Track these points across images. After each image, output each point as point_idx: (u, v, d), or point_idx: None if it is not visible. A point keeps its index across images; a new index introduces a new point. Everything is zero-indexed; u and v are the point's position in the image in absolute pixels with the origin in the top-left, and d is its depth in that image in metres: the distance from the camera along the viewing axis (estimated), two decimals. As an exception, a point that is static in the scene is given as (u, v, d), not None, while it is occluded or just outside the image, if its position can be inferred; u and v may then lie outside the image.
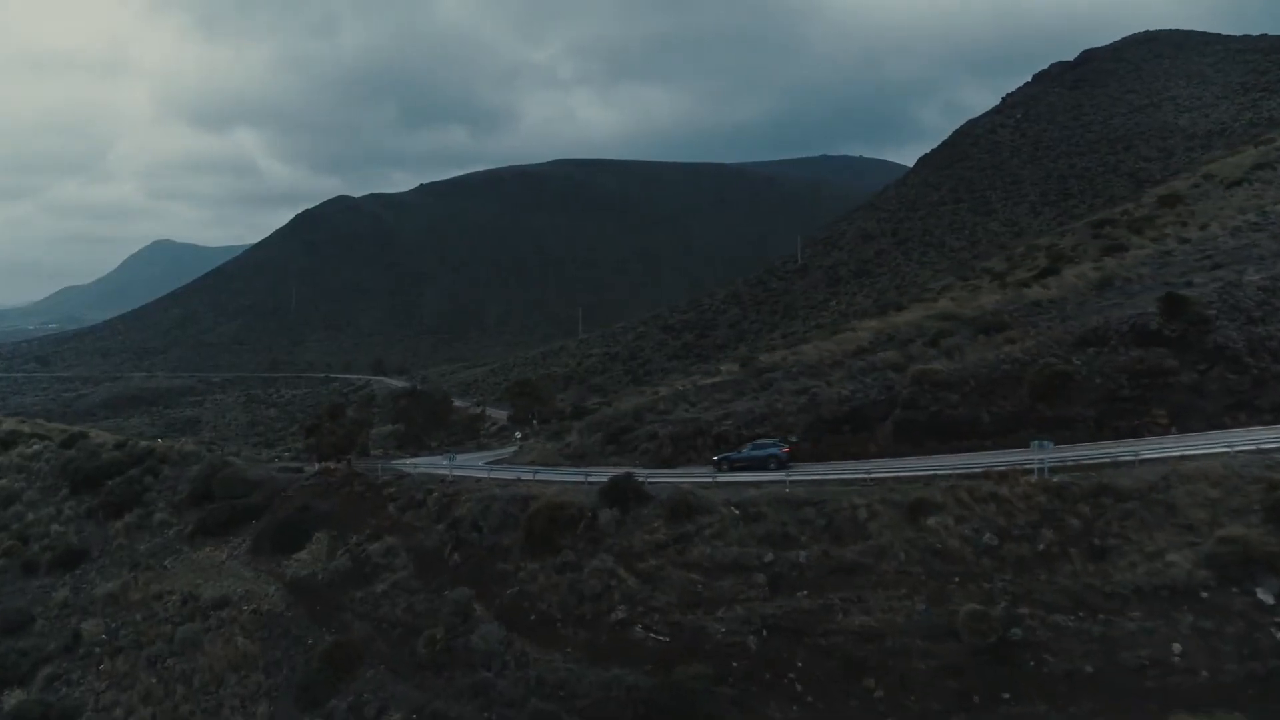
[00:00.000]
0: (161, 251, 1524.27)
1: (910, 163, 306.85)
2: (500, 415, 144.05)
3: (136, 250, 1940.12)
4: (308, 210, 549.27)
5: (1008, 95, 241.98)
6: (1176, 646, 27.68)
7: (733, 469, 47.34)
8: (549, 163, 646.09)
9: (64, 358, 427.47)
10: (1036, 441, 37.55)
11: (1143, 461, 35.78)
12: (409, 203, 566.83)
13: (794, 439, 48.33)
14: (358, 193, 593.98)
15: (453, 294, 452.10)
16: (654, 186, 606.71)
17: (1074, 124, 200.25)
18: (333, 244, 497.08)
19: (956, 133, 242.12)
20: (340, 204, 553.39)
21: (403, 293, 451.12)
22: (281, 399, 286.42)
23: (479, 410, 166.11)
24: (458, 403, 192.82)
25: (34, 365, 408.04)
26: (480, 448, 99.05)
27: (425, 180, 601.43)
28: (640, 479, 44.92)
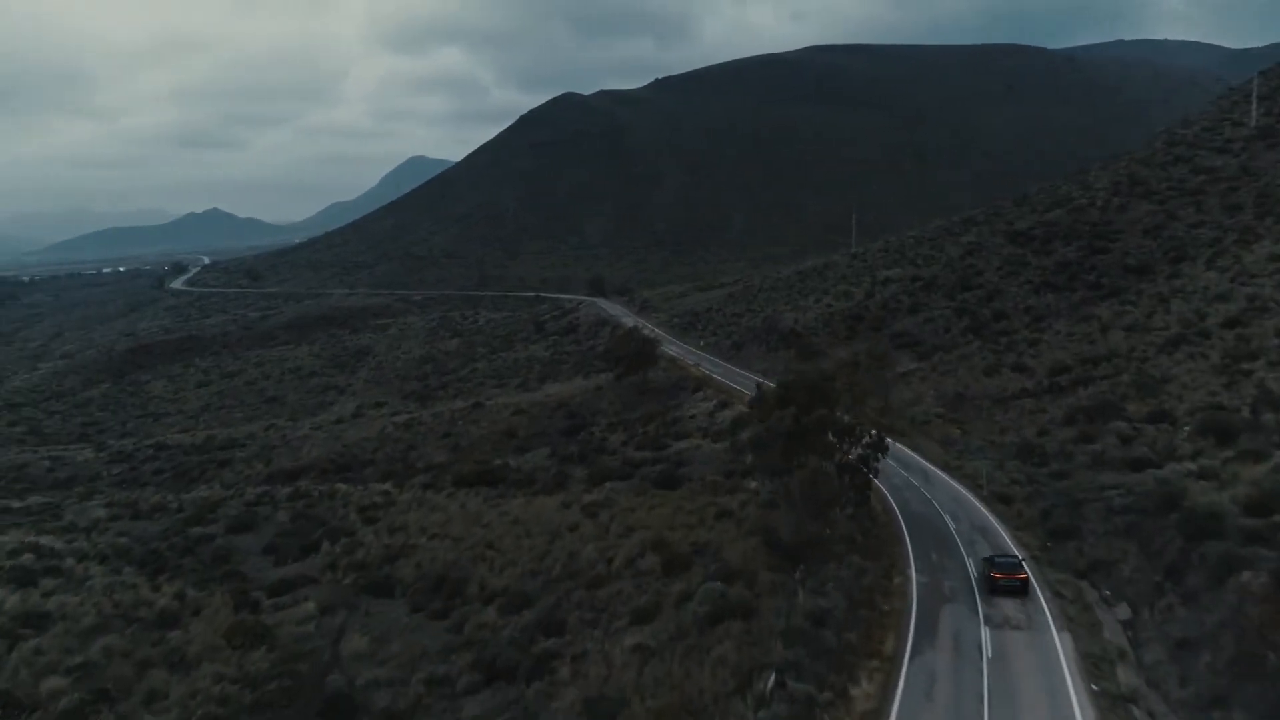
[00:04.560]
0: (416, 167, 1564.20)
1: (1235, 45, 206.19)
2: (730, 391, 77.48)
3: (394, 167, 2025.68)
4: (533, 110, 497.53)
5: None
6: None
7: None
8: (800, 49, 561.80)
9: (278, 271, 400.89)
10: None
11: None
12: (642, 98, 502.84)
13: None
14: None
15: (688, 199, 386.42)
16: (922, 73, 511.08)
17: None
18: (557, 146, 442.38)
19: None
20: (567, 102, 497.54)
21: (631, 199, 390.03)
22: (474, 324, 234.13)
23: (696, 372, 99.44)
24: (673, 351, 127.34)
25: (245, 280, 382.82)
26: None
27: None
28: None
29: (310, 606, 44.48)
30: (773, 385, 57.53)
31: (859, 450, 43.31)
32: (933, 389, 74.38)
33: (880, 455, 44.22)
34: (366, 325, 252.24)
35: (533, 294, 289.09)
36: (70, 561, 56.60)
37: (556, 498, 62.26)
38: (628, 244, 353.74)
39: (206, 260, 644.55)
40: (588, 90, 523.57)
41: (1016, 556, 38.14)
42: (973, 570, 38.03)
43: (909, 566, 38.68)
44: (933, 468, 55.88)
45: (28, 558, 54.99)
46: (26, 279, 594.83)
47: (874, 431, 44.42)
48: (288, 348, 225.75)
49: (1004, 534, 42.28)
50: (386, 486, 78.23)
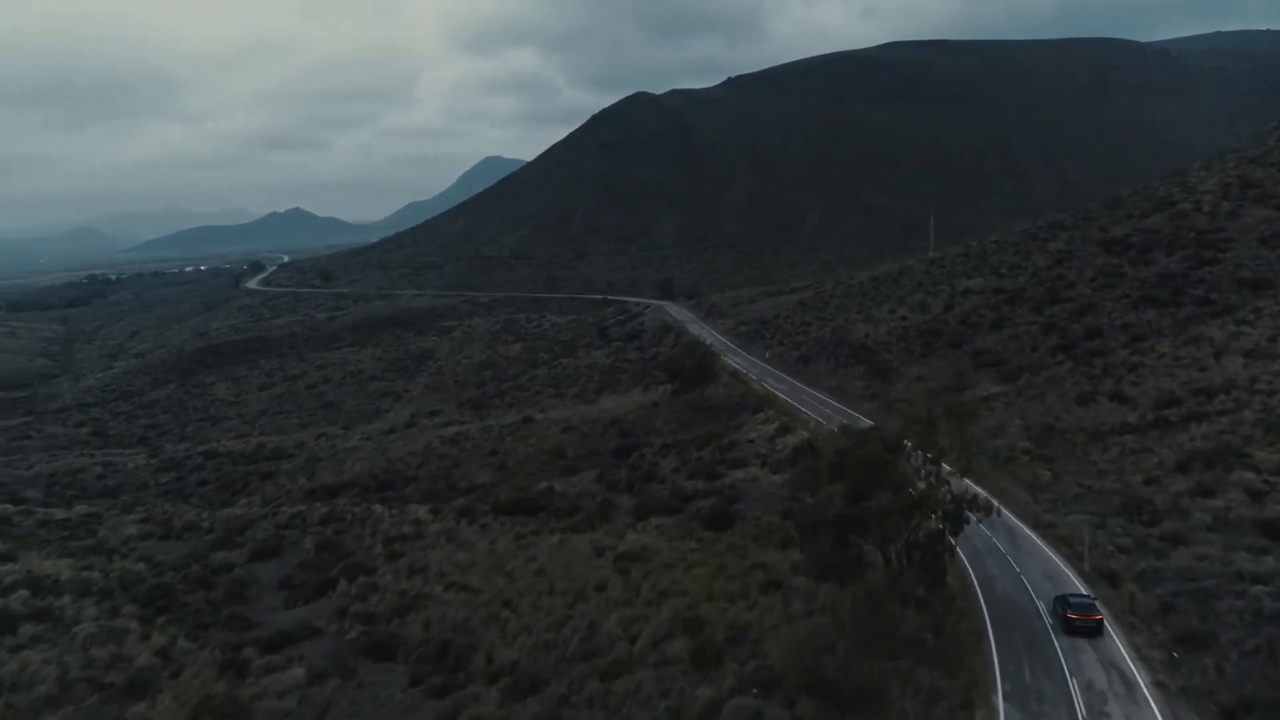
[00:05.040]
0: (491, 166, 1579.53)
1: None
2: (794, 412, 71.28)
3: (469, 167, 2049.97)
4: (604, 110, 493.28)
5: None
6: None
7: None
8: (879, 46, 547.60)
9: (349, 271, 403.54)
10: None
11: None
12: (714, 97, 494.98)
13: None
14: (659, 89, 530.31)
15: (760, 199, 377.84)
16: (1004, 69, 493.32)
17: None
18: (628, 145, 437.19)
19: None
20: (638, 101, 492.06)
21: (702, 199, 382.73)
22: (539, 328, 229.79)
23: (759, 388, 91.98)
24: (736, 363, 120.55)
25: (318, 280, 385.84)
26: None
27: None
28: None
29: (299, 674, 39.27)
30: (827, 436, 50.47)
31: (932, 524, 36.18)
32: (1018, 418, 66.47)
33: (960, 529, 37.00)
34: (432, 327, 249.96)
35: (600, 297, 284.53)
36: (67, 600, 52.65)
37: (593, 537, 56.46)
38: (698, 245, 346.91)
39: (285, 259, 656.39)
40: (659, 90, 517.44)
41: (1090, 596, 36.96)
42: (1080, 704, 29.97)
43: (994, 691, 30.56)
44: (1020, 525, 47.53)
45: (20, 595, 51.02)
46: (114, 277, 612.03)
47: (952, 498, 36.94)
48: (352, 350, 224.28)
49: (1118, 639, 34.09)
50: (420, 513, 73.32)
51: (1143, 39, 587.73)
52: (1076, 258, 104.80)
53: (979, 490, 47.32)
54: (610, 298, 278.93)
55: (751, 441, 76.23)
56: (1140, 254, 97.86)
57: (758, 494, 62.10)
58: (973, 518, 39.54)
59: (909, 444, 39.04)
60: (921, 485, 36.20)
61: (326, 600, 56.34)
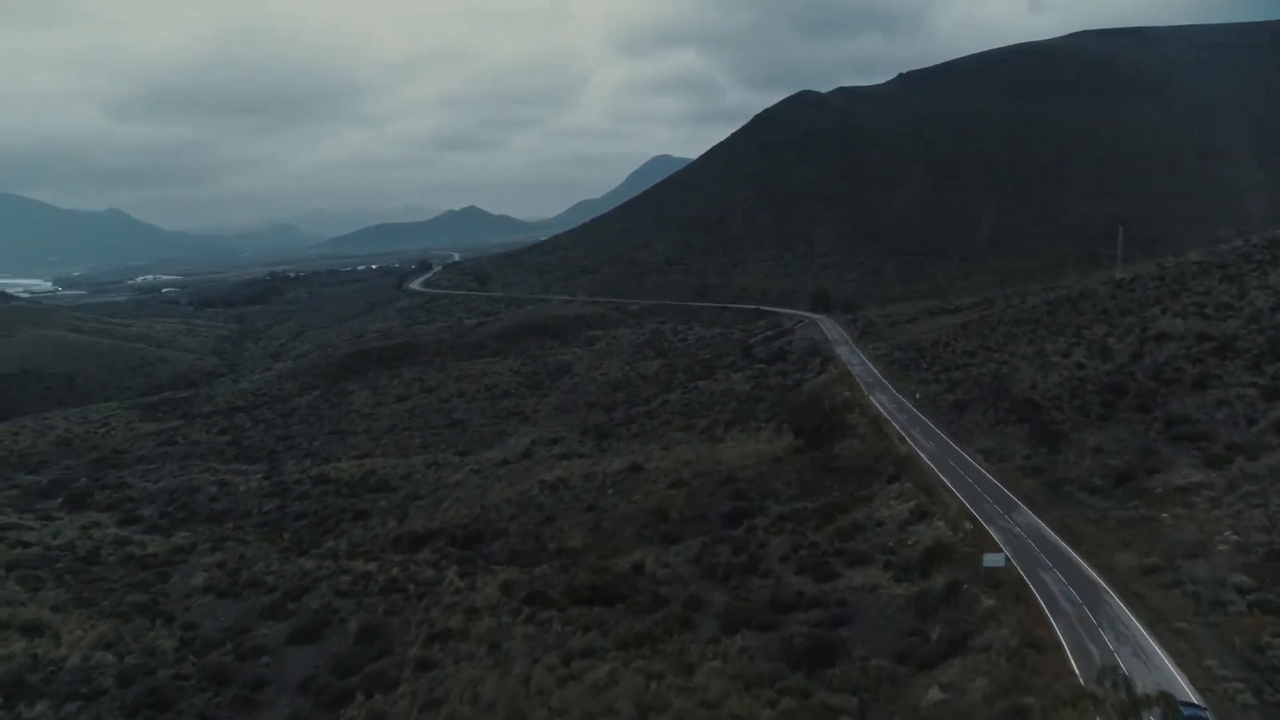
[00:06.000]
0: (660, 165, 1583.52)
1: None
2: (936, 488, 58.99)
3: (638, 166, 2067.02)
4: (767, 109, 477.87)
5: None
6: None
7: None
8: (1064, 36, 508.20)
9: (506, 275, 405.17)
10: None
11: None
12: (883, 95, 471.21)
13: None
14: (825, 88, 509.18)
15: (929, 203, 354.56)
16: (1205, 58, 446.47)
17: None
18: (790, 146, 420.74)
19: None
20: (802, 100, 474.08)
21: (865, 203, 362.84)
22: (683, 342, 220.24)
23: (899, 447, 76.80)
24: (879, 402, 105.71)
25: (474, 283, 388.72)
26: None
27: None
28: None
29: None
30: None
31: None
32: (1228, 528, 50.55)
33: None
34: (577, 337, 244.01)
35: (752, 307, 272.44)
36: (41, 709, 45.67)
37: (654, 666, 45.22)
38: (859, 252, 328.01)
39: (456, 257, 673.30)
40: (825, 88, 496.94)
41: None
42: None
43: None
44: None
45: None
46: (293, 274, 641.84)
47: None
48: (493, 360, 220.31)
49: None
50: (487, 590, 64.03)
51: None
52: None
53: (1175, 674, 33.14)
54: (763, 309, 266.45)
55: (880, 525, 62.89)
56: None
57: (873, 614, 49.18)
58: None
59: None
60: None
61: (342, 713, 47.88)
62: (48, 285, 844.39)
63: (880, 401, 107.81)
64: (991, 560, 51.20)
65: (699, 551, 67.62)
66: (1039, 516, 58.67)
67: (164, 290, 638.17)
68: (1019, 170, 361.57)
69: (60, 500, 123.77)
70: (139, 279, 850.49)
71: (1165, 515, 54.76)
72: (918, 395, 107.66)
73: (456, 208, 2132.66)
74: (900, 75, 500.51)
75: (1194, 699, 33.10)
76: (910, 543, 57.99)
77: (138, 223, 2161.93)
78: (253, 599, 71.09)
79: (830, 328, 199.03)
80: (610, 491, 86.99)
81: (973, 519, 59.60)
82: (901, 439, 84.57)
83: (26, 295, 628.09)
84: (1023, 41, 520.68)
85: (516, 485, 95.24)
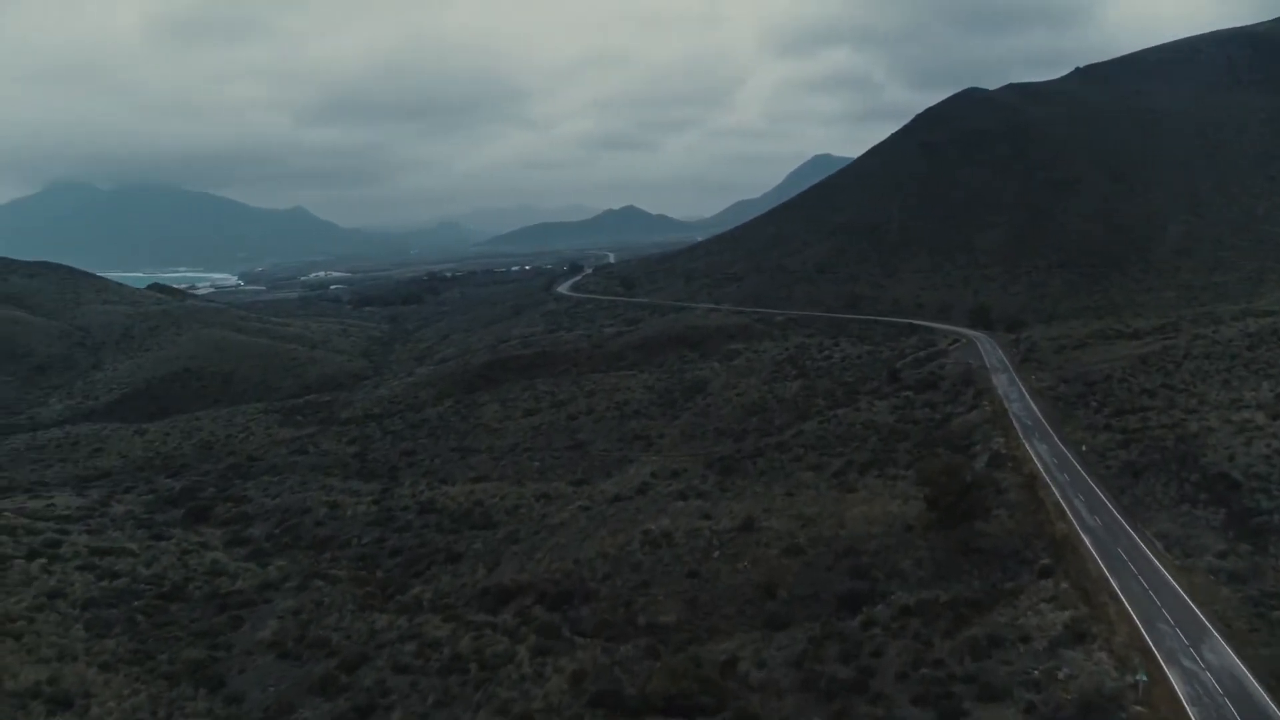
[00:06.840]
0: (820, 165, 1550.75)
1: None
2: (1101, 588, 49.20)
3: (798, 165, 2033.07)
4: (931, 107, 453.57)
5: None
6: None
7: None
8: (1272, 21, 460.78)
9: (654, 280, 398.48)
10: None
11: None
12: (1058, 91, 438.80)
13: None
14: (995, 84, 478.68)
15: (1108, 209, 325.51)
16: None
17: None
18: (954, 146, 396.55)
19: None
20: (969, 98, 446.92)
21: (1035, 208, 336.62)
22: (827, 360, 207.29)
23: (1055, 526, 62.89)
24: (1035, 454, 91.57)
25: (620, 288, 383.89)
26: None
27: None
28: None
29: None
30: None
31: None
32: None
33: None
34: (717, 350, 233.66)
35: (905, 321, 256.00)
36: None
37: None
38: (1026, 263, 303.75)
39: (611, 258, 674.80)
40: (993, 85, 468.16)
41: None
42: None
43: None
44: None
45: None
46: (450, 274, 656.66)
47: None
48: (629, 373, 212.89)
49: None
50: (537, 698, 55.70)
51: None
52: None
53: None
54: (915, 323, 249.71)
55: (1024, 643, 50.68)
56: None
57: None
58: None
59: None
60: None
61: None
62: (234, 280, 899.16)
63: (1039, 453, 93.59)
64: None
65: (802, 652, 57.12)
66: (1239, 656, 45.35)
67: (331, 287, 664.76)
68: (1216, 172, 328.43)
69: (184, 511, 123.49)
70: (311, 275, 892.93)
71: None
72: (1084, 448, 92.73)
73: (615, 207, 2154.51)
74: (1077, 70, 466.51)
75: None
76: (1060, 677, 45.84)
77: (318, 220, 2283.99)
78: (310, 664, 65.40)
79: (989, 349, 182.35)
80: (716, 555, 77.11)
81: (1146, 651, 46.78)
82: (1060, 512, 71.01)
83: (212, 289, 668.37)
84: (1222, 28, 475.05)
85: (618, 535, 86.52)
